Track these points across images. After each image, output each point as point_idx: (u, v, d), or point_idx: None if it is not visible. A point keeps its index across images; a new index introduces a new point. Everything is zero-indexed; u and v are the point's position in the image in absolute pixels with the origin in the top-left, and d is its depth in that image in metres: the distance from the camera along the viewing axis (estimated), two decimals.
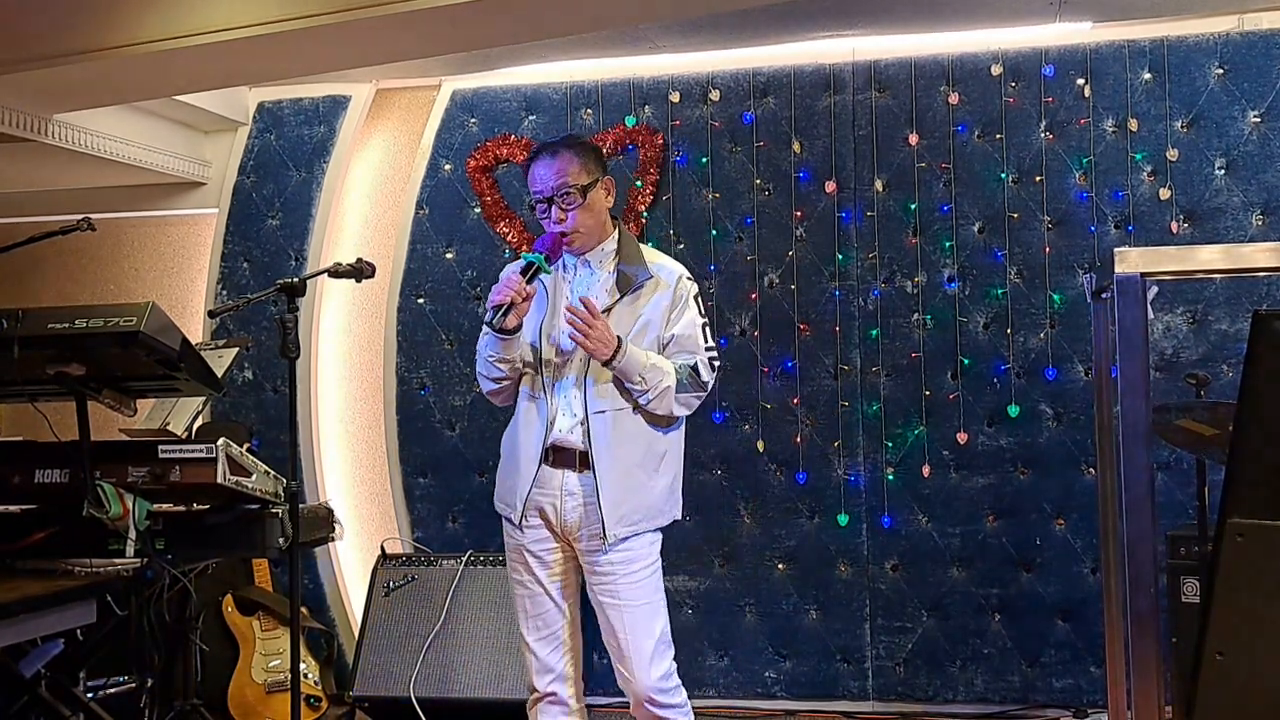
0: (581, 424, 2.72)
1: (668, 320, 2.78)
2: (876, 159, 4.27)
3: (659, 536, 2.82)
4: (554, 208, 2.75)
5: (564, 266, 2.85)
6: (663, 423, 2.79)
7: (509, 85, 4.55)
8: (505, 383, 2.80)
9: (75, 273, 5.05)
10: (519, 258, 4.44)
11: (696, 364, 2.76)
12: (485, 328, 2.81)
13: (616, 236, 2.85)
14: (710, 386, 2.82)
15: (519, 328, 2.72)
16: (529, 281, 2.69)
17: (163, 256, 5.00)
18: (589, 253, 2.83)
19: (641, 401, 2.72)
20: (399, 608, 4.18)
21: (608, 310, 2.74)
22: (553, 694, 2.82)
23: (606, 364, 2.68)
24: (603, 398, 2.72)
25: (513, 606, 2.89)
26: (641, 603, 2.76)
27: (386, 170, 4.77)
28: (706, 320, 2.84)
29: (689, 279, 2.85)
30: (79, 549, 2.82)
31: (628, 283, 2.76)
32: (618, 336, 2.69)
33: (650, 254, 2.86)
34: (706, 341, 2.81)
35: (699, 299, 2.85)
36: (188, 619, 3.76)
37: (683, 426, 2.89)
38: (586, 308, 2.66)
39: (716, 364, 2.83)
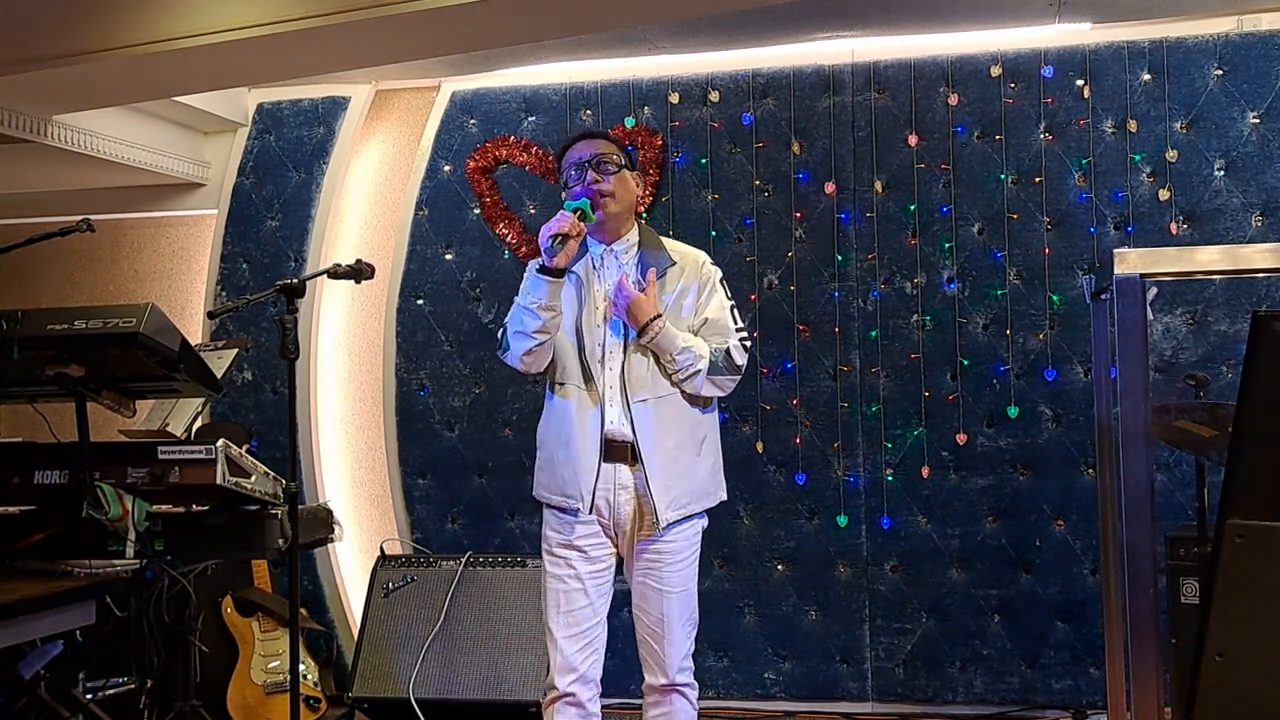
0: (625, 413, 2.79)
1: (696, 305, 2.89)
2: (876, 160, 4.27)
3: (704, 523, 2.93)
4: (590, 171, 2.83)
5: (591, 260, 2.91)
6: (700, 403, 2.89)
7: (508, 86, 4.55)
8: (545, 338, 2.79)
9: (75, 274, 5.05)
10: (518, 259, 4.48)
11: (729, 347, 2.85)
12: (520, 295, 2.85)
13: (637, 229, 2.96)
14: (744, 369, 2.90)
15: (565, 272, 2.76)
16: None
17: (162, 257, 5.00)
18: (615, 242, 2.91)
19: (677, 378, 2.81)
20: (398, 609, 4.18)
21: None
22: (572, 695, 2.83)
23: (642, 331, 2.76)
24: (642, 387, 2.80)
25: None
26: (682, 589, 2.86)
27: (386, 171, 4.77)
28: (735, 303, 2.95)
29: (712, 264, 2.96)
30: (78, 550, 2.82)
31: (652, 269, 2.86)
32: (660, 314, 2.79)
33: (670, 243, 2.97)
34: (736, 323, 2.91)
35: (725, 282, 2.95)
36: (187, 620, 3.75)
37: (717, 409, 2.98)
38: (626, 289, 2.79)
39: (748, 345, 2.92)
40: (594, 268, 2.90)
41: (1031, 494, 4.13)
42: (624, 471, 2.80)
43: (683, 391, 2.83)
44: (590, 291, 2.86)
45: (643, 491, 2.78)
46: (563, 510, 2.86)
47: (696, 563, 2.91)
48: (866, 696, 4.23)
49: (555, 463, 2.86)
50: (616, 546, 2.88)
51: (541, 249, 2.72)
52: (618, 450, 2.79)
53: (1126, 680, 2.69)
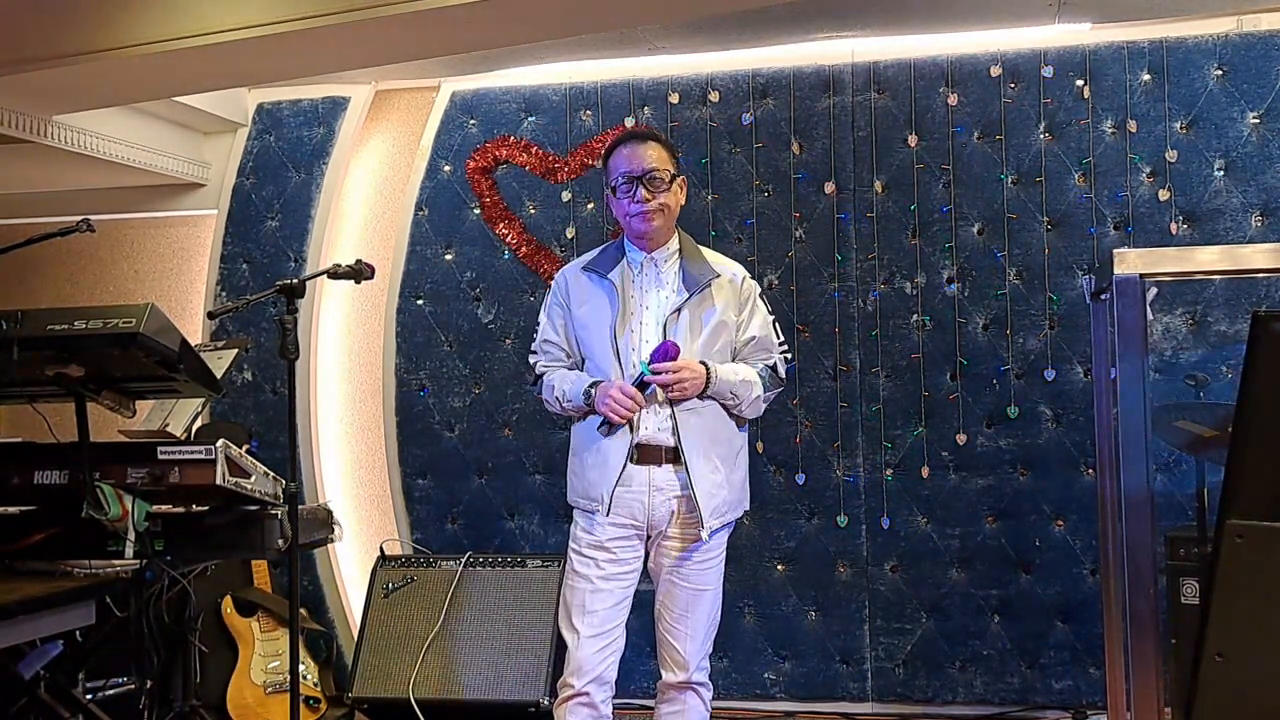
0: (670, 419, 2.82)
1: (740, 322, 2.94)
2: (876, 160, 4.27)
3: (732, 528, 3.00)
4: (640, 188, 2.84)
5: (630, 265, 2.94)
6: (741, 420, 2.96)
7: (508, 86, 4.55)
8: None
9: (75, 274, 5.05)
10: (518, 259, 4.47)
11: (775, 363, 2.95)
12: (540, 382, 3.02)
13: (678, 237, 2.99)
14: (785, 381, 3.00)
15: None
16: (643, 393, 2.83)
17: (162, 257, 5.00)
18: (656, 251, 2.94)
19: (736, 410, 2.89)
20: (398, 609, 4.18)
21: (678, 310, 2.87)
22: (585, 695, 2.84)
23: (701, 396, 2.81)
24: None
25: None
26: (710, 588, 2.93)
27: (386, 171, 4.77)
28: (775, 315, 3.02)
29: (750, 279, 3.01)
30: (78, 550, 2.82)
31: (694, 281, 2.89)
32: (704, 366, 2.81)
33: (709, 254, 3.00)
34: (778, 338, 2.99)
35: (764, 296, 3.01)
36: (187, 620, 3.75)
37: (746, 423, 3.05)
38: (666, 369, 2.79)
39: (788, 356, 3.02)
40: (632, 276, 2.92)
41: (1031, 494, 4.13)
42: (659, 472, 2.83)
43: (727, 409, 2.89)
44: (626, 298, 2.89)
45: (684, 494, 2.83)
46: (589, 512, 2.90)
47: (724, 564, 2.98)
48: (866, 697, 4.23)
49: (585, 465, 2.91)
50: (646, 547, 2.92)
51: (598, 406, 2.80)
52: (651, 453, 2.83)
53: (1126, 680, 2.69)
